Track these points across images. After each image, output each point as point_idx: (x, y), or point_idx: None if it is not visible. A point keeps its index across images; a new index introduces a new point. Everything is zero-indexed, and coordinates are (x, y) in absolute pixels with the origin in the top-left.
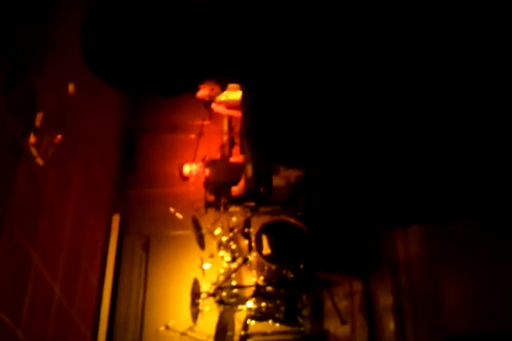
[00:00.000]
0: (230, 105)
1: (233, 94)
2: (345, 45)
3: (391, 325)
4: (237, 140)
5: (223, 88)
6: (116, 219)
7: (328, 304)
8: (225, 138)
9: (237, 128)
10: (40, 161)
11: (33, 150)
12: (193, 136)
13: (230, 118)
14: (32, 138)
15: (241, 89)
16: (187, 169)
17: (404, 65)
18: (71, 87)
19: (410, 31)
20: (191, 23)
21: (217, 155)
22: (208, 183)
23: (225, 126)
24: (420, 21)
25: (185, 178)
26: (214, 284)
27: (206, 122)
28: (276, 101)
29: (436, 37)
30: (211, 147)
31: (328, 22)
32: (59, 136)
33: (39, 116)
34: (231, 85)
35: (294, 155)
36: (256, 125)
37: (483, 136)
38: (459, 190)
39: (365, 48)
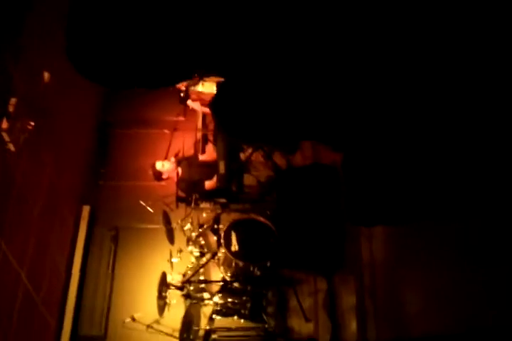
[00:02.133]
0: (205, 102)
1: (209, 85)
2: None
3: (353, 324)
4: (210, 137)
5: (200, 77)
6: (86, 210)
7: (293, 302)
8: (199, 135)
9: (212, 126)
10: (11, 147)
11: (5, 136)
12: (166, 131)
13: (205, 116)
14: (4, 124)
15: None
16: (159, 165)
17: (389, 50)
18: (46, 76)
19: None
20: (176, 17)
21: (191, 152)
22: (180, 181)
23: (200, 123)
24: (420, 19)
25: (158, 178)
26: (182, 278)
27: (181, 118)
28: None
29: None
30: (185, 143)
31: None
32: (32, 123)
33: (12, 102)
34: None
35: (254, 129)
36: (220, 101)
37: (455, 141)
38: (424, 192)
39: (357, 44)
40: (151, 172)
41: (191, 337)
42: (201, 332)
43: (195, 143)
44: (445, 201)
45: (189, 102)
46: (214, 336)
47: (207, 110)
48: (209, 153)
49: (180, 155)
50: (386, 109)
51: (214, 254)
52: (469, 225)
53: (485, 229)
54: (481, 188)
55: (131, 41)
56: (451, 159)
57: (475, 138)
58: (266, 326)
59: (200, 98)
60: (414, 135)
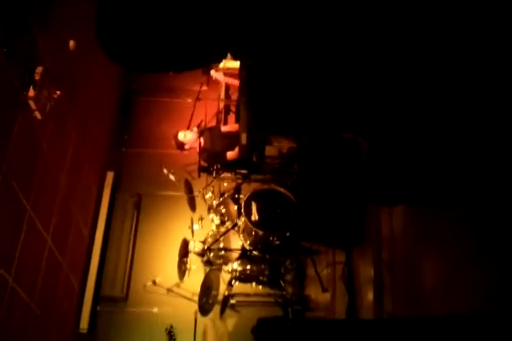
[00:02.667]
0: (228, 73)
1: (231, 62)
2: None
3: (370, 296)
4: (233, 108)
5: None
6: (110, 176)
7: (311, 271)
8: (222, 105)
9: (234, 97)
10: (38, 115)
11: (32, 104)
12: (189, 100)
13: (228, 86)
14: (31, 92)
15: (239, 60)
16: (181, 136)
17: (393, 42)
18: (72, 44)
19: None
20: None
21: (213, 122)
22: (202, 151)
23: (222, 94)
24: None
25: (181, 148)
26: (202, 245)
27: (204, 88)
28: (273, 73)
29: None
30: (207, 113)
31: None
32: (58, 91)
33: (39, 70)
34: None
35: (285, 123)
36: (252, 94)
37: (474, 125)
38: (446, 174)
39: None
40: (173, 143)
41: (210, 301)
42: (220, 297)
43: (218, 114)
44: (465, 183)
45: (212, 72)
46: (232, 301)
47: (230, 81)
48: (231, 124)
49: (203, 125)
50: (402, 105)
51: (234, 225)
52: (490, 210)
53: (504, 214)
54: (497, 174)
55: (158, 28)
56: (466, 146)
57: (487, 127)
58: (284, 293)
59: (222, 68)
60: (433, 123)
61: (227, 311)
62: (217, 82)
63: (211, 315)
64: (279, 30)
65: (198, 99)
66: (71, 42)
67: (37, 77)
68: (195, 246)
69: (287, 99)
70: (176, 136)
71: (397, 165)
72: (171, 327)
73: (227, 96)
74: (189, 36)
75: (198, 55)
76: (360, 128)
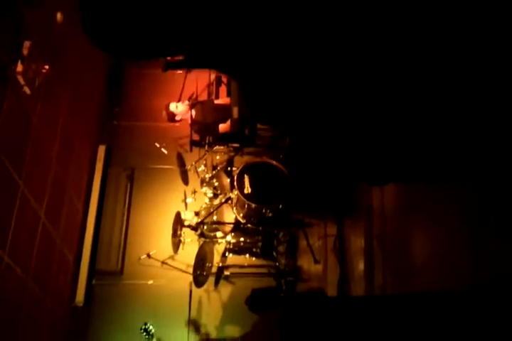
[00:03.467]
0: None
1: None
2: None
3: (361, 267)
4: (224, 79)
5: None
6: (102, 150)
7: (303, 243)
8: (213, 76)
9: None
10: (27, 90)
11: (20, 79)
12: (180, 72)
13: None
14: (19, 67)
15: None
16: (173, 107)
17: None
18: (59, 16)
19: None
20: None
21: (204, 94)
22: (194, 123)
23: None
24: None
25: (172, 119)
26: (196, 217)
27: None
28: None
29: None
30: (198, 85)
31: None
32: (46, 66)
33: (27, 45)
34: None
35: (277, 114)
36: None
37: (464, 102)
38: (436, 153)
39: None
40: (164, 114)
41: (204, 273)
42: (214, 269)
43: (209, 86)
44: (454, 161)
45: None
46: (226, 272)
47: None
48: (223, 96)
49: (194, 97)
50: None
51: (227, 198)
52: (479, 185)
53: (493, 189)
54: (488, 151)
55: (137, 20)
56: (456, 121)
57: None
58: (276, 264)
59: None
60: (422, 99)
61: (222, 282)
62: None
63: (206, 286)
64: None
65: (188, 70)
66: (58, 15)
67: (25, 52)
68: (188, 218)
69: (279, 90)
70: (167, 107)
71: (386, 144)
72: (145, 324)
73: None
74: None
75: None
76: (349, 115)
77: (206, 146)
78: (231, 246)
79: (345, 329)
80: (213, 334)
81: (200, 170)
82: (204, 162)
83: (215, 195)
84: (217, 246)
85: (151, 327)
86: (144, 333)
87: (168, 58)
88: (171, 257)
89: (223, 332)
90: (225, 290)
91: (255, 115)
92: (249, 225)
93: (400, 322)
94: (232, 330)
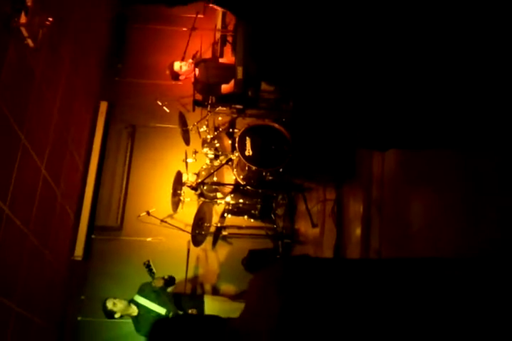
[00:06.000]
0: None
1: None
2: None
3: (358, 232)
4: (229, 38)
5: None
6: (103, 106)
7: (302, 207)
8: (218, 35)
9: (231, 26)
10: (30, 42)
11: (24, 31)
12: (184, 29)
13: (225, 15)
14: (23, 18)
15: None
16: (177, 66)
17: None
18: None
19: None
20: None
21: (208, 53)
22: (196, 82)
23: (219, 23)
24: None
25: (175, 78)
26: (196, 178)
27: (200, 16)
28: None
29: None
30: (203, 43)
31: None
32: (50, 18)
33: None
34: None
35: (283, 71)
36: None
37: (464, 68)
38: (438, 120)
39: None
40: (168, 72)
41: (203, 232)
42: (212, 229)
43: (213, 44)
44: (456, 130)
45: None
46: (224, 233)
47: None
48: (227, 56)
49: (198, 56)
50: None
51: (228, 160)
52: (479, 154)
53: (492, 158)
54: (489, 119)
55: None
56: (458, 89)
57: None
58: (274, 227)
59: None
60: (422, 68)
61: (219, 242)
62: (213, 10)
63: (203, 245)
64: None
65: (193, 28)
66: None
67: (28, 3)
68: (188, 178)
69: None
70: (171, 66)
71: (388, 109)
72: (148, 261)
73: (224, 26)
74: None
75: None
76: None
77: (209, 107)
78: (230, 207)
79: (341, 290)
80: (209, 292)
81: (201, 130)
82: (206, 122)
83: (216, 156)
84: (216, 206)
85: (152, 265)
86: (147, 269)
87: None
88: (170, 216)
89: (219, 291)
90: (223, 250)
91: (261, 72)
92: (248, 187)
93: (393, 285)
94: (228, 289)
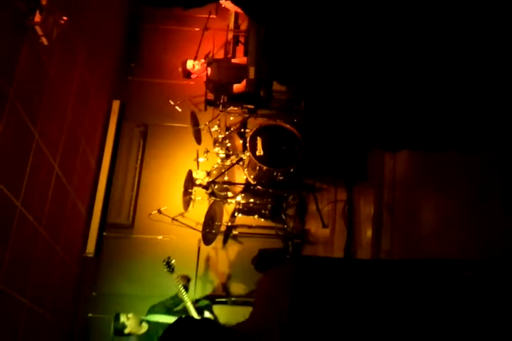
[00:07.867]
0: None
1: None
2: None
3: (368, 233)
4: (242, 39)
5: None
6: (116, 105)
7: (312, 207)
8: (230, 35)
9: (243, 26)
10: (44, 41)
11: (38, 29)
12: (197, 29)
13: (237, 15)
14: (37, 17)
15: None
16: (190, 65)
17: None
18: None
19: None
20: None
21: (221, 53)
22: (209, 81)
23: (231, 23)
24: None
25: (187, 76)
26: (207, 176)
27: (212, 16)
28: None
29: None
30: (215, 43)
31: None
32: (64, 17)
33: None
34: None
35: (295, 71)
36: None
37: (476, 70)
38: (451, 122)
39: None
40: (180, 70)
41: (213, 231)
42: (223, 228)
43: (226, 44)
44: (469, 131)
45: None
46: (235, 232)
47: (240, 10)
48: (239, 56)
49: (211, 55)
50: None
51: (239, 160)
52: (491, 156)
53: (504, 161)
54: (502, 122)
55: None
56: (471, 91)
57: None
58: (285, 226)
59: None
60: (435, 70)
61: (230, 241)
62: (226, 11)
63: (214, 244)
64: None
65: (206, 28)
66: None
67: (43, 2)
68: (199, 177)
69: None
70: (184, 64)
71: (401, 110)
72: (169, 258)
73: (236, 26)
74: None
75: None
76: (365, 80)
77: (220, 106)
78: (240, 207)
79: (352, 289)
80: (219, 291)
81: (213, 130)
82: (218, 122)
83: (227, 156)
84: (226, 205)
85: (173, 261)
86: (166, 266)
87: None
88: (181, 214)
89: (229, 289)
90: (233, 249)
91: (273, 72)
92: (259, 187)
93: (404, 286)
94: (238, 288)
